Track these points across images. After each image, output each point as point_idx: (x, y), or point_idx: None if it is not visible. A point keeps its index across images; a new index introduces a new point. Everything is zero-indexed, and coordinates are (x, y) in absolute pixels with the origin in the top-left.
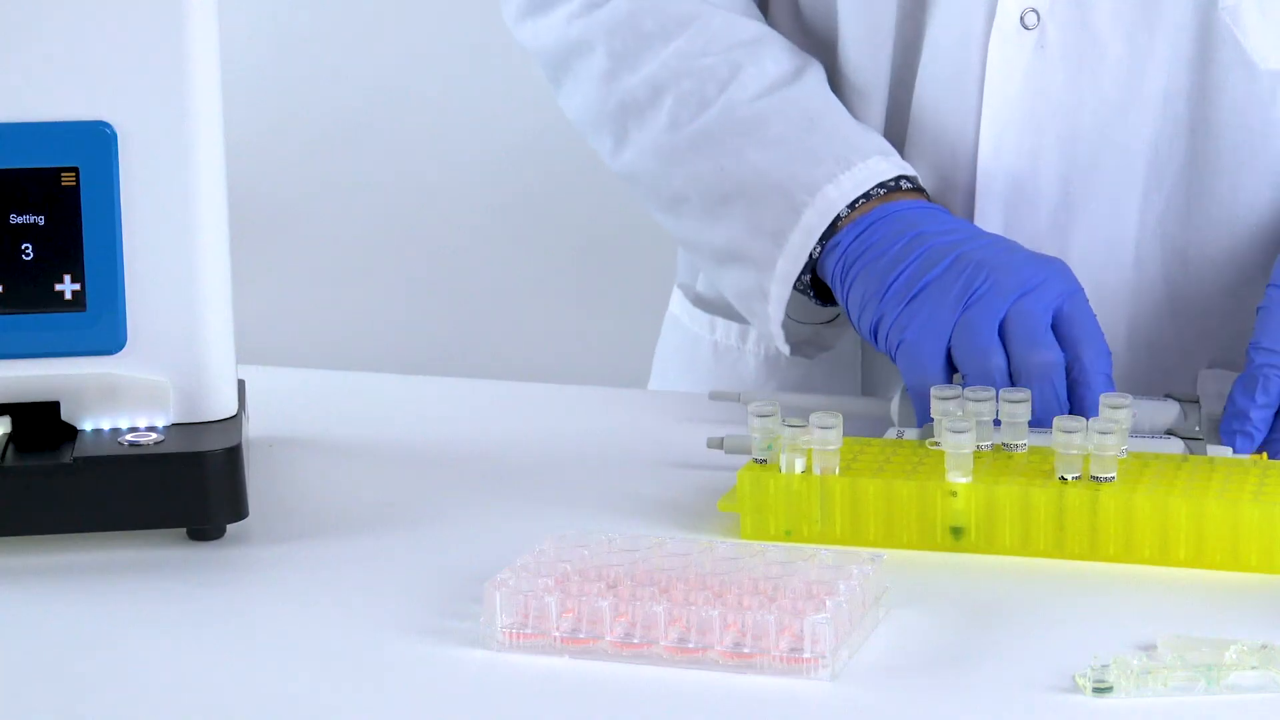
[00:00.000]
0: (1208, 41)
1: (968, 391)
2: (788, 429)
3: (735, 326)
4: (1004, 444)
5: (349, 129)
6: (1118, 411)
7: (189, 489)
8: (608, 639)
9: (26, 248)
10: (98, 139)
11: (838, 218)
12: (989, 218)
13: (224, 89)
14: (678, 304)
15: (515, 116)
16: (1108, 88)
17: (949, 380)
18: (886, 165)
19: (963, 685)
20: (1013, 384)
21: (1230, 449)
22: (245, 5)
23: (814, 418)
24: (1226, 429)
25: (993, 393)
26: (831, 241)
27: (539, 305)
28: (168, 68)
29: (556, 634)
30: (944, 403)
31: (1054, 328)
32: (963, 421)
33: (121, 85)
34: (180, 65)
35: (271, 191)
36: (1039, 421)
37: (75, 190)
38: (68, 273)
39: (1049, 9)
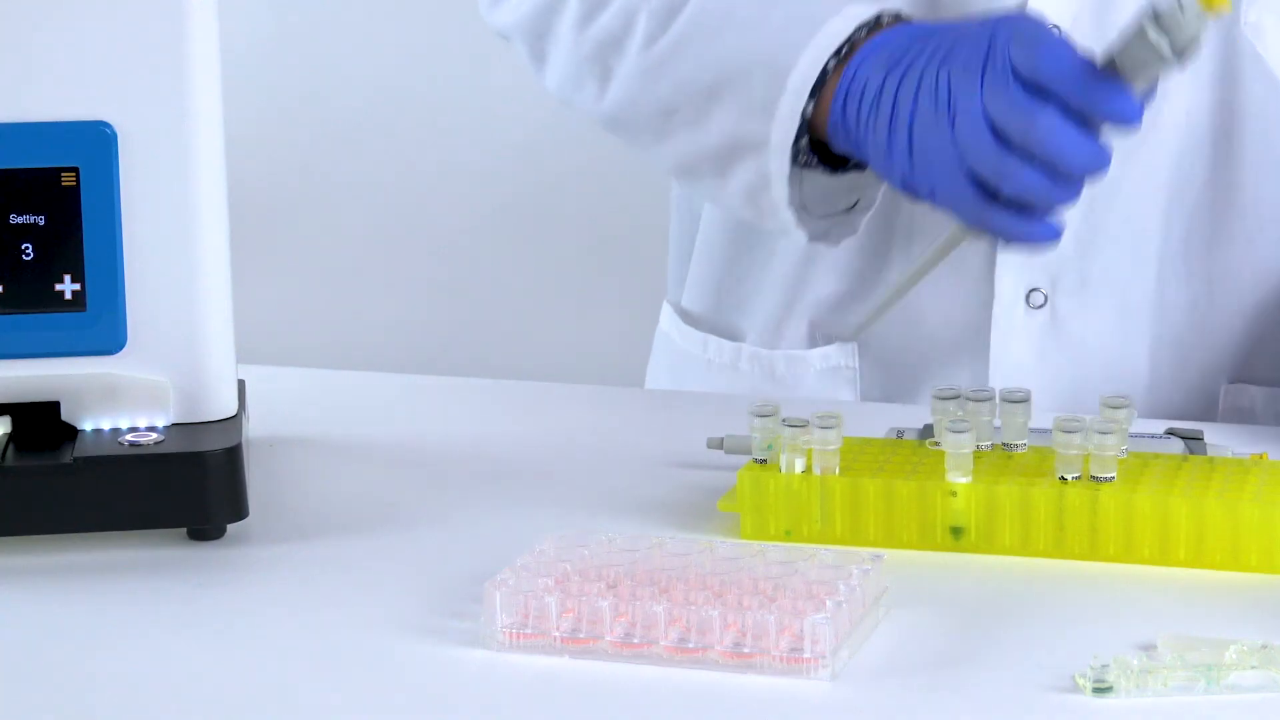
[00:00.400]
0: (1230, 58)
1: (968, 392)
2: (788, 429)
3: (727, 344)
4: (1004, 444)
5: (349, 129)
6: (1118, 411)
7: (189, 489)
8: (608, 639)
9: (26, 248)
10: (98, 139)
11: (825, 70)
12: None
13: (224, 89)
14: (668, 321)
15: (515, 116)
16: None
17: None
18: (862, 8)
19: (963, 685)
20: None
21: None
22: (245, 5)
23: (814, 418)
24: None
25: (993, 393)
26: (831, 94)
27: (539, 305)
28: (168, 68)
29: (556, 634)
30: (944, 402)
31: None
32: (963, 421)
33: (121, 85)
34: (180, 65)
35: (271, 191)
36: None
37: (75, 190)
38: (68, 273)
39: (1070, 21)
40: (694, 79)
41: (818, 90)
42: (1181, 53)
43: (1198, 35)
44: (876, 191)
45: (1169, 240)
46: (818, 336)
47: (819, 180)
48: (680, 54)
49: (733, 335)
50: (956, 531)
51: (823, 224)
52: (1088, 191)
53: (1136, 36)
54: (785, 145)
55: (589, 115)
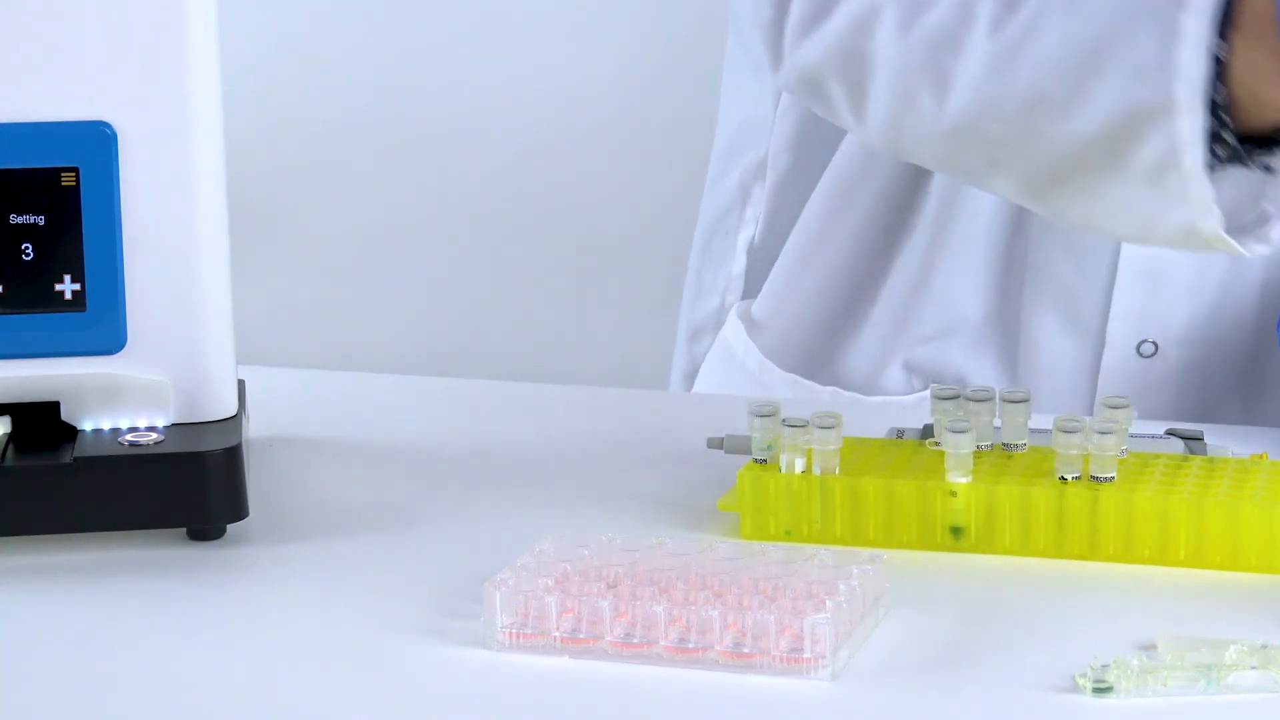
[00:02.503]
0: None
1: (968, 391)
2: (788, 429)
3: (821, 389)
4: (1004, 444)
5: (349, 129)
6: (1118, 412)
7: (189, 489)
8: (608, 639)
9: (26, 248)
10: (98, 139)
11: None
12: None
13: (224, 89)
14: (739, 341)
15: (515, 117)
16: None
17: None
18: None
19: (963, 685)
20: None
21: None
22: (245, 5)
23: (814, 417)
24: None
25: (993, 393)
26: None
27: (539, 305)
28: (168, 68)
29: (556, 634)
30: (944, 402)
31: None
32: (963, 421)
33: (121, 85)
34: (180, 65)
35: (271, 191)
36: None
37: (75, 190)
38: (68, 273)
39: None
40: (1062, 56)
41: (1226, 27)
42: None
43: None
44: None
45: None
46: (915, 381)
47: (1230, 176)
48: (1038, 31)
49: (821, 376)
50: (956, 531)
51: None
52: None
53: None
54: (1195, 99)
55: (926, 138)
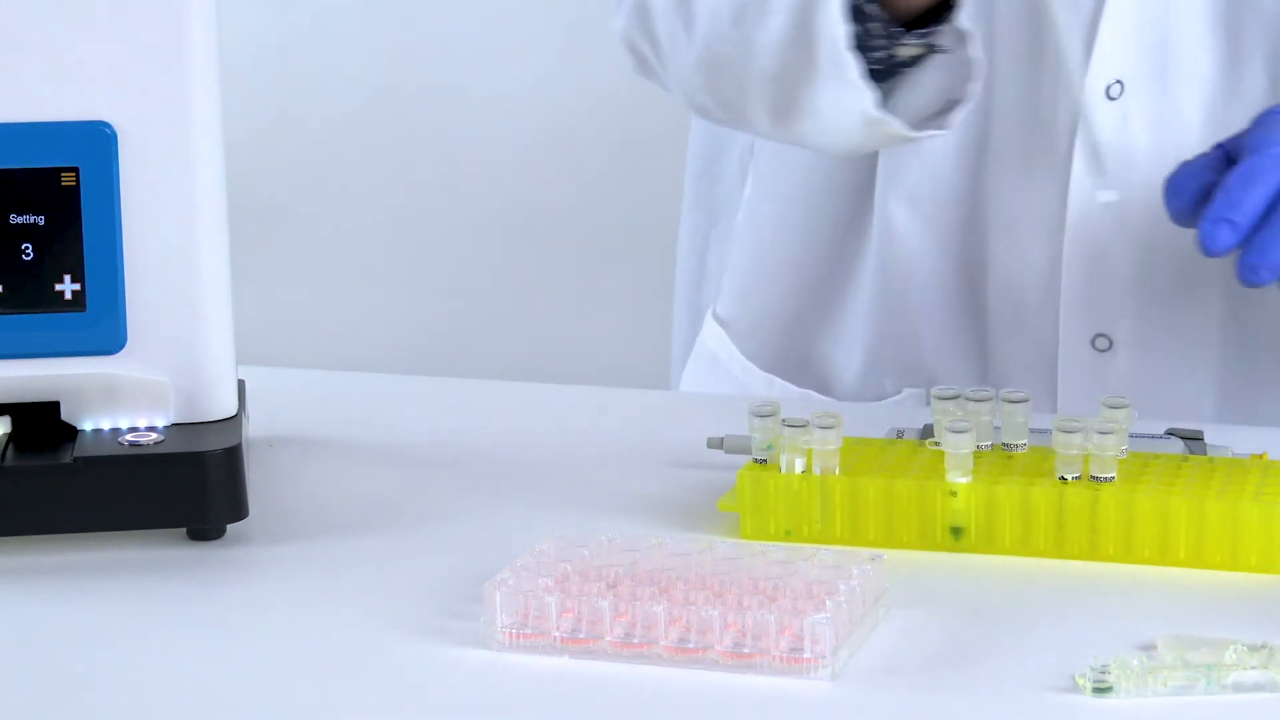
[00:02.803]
0: None
1: (968, 392)
2: (788, 429)
3: (795, 389)
4: (1004, 444)
5: (349, 129)
6: (1118, 411)
7: (189, 489)
8: (608, 639)
9: (26, 248)
10: (98, 139)
11: None
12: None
13: (224, 89)
14: (717, 343)
15: (514, 116)
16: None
17: None
18: None
19: (963, 685)
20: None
21: (1210, 240)
22: (245, 5)
23: (814, 417)
24: (1213, 216)
25: (993, 393)
26: None
27: (539, 305)
28: (168, 68)
29: (556, 634)
30: (944, 402)
31: None
32: (963, 421)
33: (121, 85)
34: (180, 65)
35: (271, 191)
36: None
37: (75, 190)
38: (68, 273)
39: (1133, 79)
40: None
41: None
42: None
43: None
44: (978, 73)
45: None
46: (887, 383)
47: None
48: None
49: (795, 376)
50: (956, 531)
51: (888, 77)
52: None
53: None
54: None
55: (690, 73)
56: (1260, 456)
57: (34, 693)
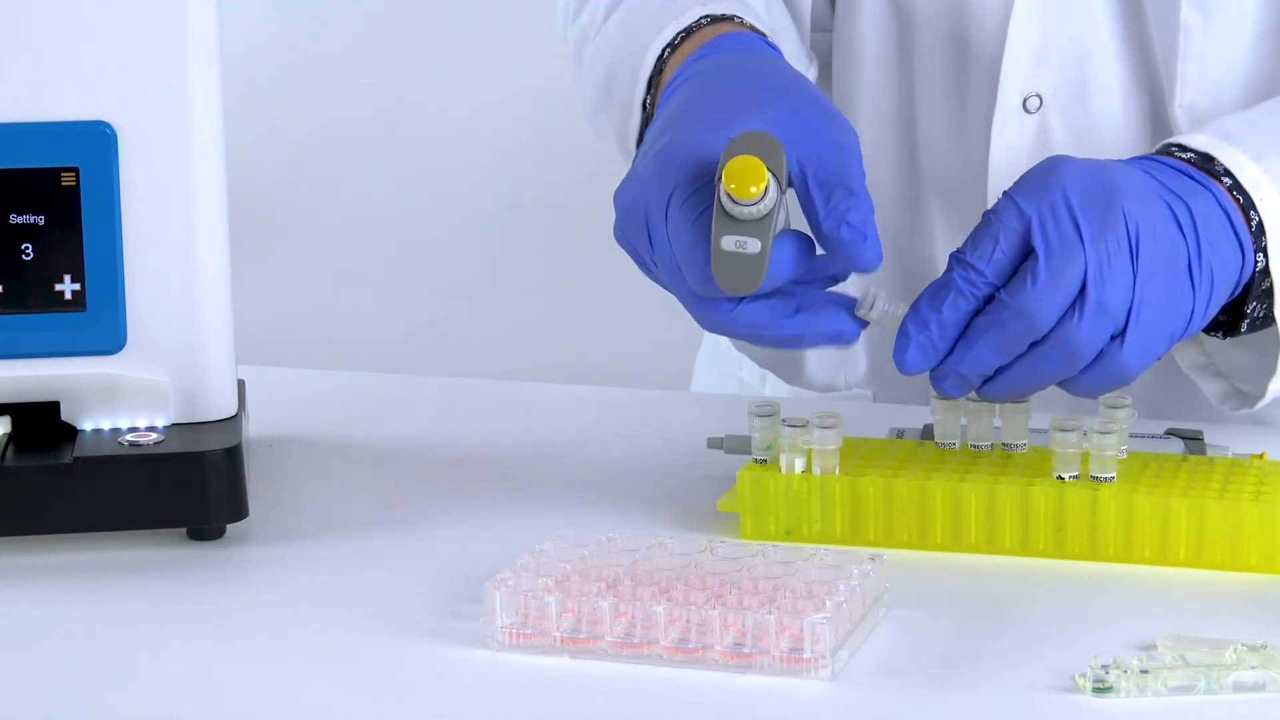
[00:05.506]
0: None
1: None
2: (788, 429)
3: (756, 368)
4: (1004, 444)
5: (349, 129)
6: (1118, 411)
7: (189, 489)
8: (608, 639)
9: (26, 248)
10: (98, 139)
11: (662, 61)
12: None
13: (224, 89)
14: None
15: (514, 117)
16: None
17: None
18: (711, 6)
19: (963, 685)
20: None
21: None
22: (245, 5)
23: (814, 417)
24: (903, 336)
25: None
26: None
27: (539, 305)
28: (168, 68)
29: (556, 634)
30: (945, 402)
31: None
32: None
33: (121, 85)
34: (180, 65)
35: (271, 191)
36: None
37: (75, 190)
38: (68, 273)
39: (1052, 94)
40: (594, 81)
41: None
42: None
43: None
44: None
45: None
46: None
47: None
48: (596, 48)
49: (789, 374)
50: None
51: None
52: None
53: None
54: (627, 136)
55: (584, 112)
56: (1260, 456)
57: (34, 693)
